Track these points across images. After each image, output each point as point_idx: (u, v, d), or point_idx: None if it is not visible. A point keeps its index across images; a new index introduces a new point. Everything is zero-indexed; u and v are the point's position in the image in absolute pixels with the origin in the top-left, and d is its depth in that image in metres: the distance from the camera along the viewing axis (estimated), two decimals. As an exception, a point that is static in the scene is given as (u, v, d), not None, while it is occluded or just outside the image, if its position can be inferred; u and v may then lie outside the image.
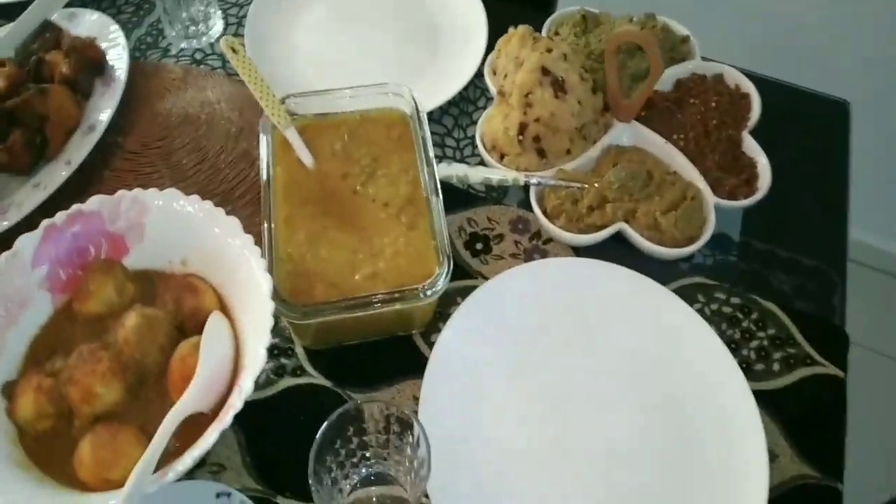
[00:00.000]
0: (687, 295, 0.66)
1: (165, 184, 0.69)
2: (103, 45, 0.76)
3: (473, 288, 0.64)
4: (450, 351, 0.60)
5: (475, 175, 0.68)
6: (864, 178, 0.92)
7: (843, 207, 0.74)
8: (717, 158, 0.71)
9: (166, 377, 0.54)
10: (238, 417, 0.49)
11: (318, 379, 0.61)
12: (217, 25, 0.84)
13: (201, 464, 0.57)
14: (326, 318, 0.56)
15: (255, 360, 0.51)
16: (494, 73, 0.76)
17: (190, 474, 0.52)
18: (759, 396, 0.59)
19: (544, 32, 0.79)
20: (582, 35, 0.77)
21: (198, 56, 0.82)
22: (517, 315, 0.63)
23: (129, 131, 0.73)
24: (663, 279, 0.66)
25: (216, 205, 0.66)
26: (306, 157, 0.65)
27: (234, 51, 0.66)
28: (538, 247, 0.69)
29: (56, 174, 0.66)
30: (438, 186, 0.63)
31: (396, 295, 0.57)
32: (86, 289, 0.56)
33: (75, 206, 0.57)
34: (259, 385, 0.60)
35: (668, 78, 0.76)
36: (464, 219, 0.71)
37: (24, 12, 0.78)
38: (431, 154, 0.65)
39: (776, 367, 0.63)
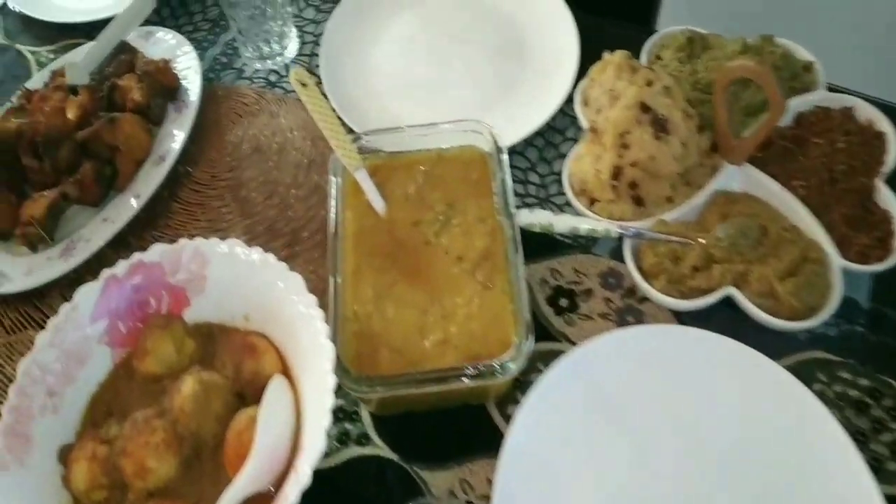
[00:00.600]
0: (805, 373, 0.55)
1: (234, 219, 0.64)
2: (177, 67, 0.72)
3: (556, 353, 0.56)
4: (528, 432, 0.52)
5: (561, 224, 0.59)
6: None
7: None
8: (844, 211, 0.59)
9: (223, 449, 0.49)
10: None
11: (384, 450, 0.55)
12: (293, 45, 0.78)
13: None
14: (389, 393, 0.50)
15: (315, 444, 0.45)
16: (586, 104, 0.66)
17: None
18: (892, 502, 0.49)
19: (644, 57, 0.68)
20: (687, 61, 0.66)
21: (272, 78, 0.76)
22: (606, 392, 0.54)
23: (198, 160, 0.68)
24: (778, 351, 0.56)
25: (285, 244, 0.60)
26: (377, 202, 0.58)
27: (303, 84, 0.60)
28: (632, 307, 0.59)
29: (125, 208, 0.62)
30: (519, 240, 0.54)
31: (468, 371, 0.49)
32: (143, 346, 0.52)
33: (136, 256, 0.52)
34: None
35: (787, 112, 0.65)
36: (547, 269, 0.62)
37: (101, 33, 0.74)
38: (512, 202, 0.56)
39: None
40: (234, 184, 0.67)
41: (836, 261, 0.56)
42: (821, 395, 0.54)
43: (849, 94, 0.65)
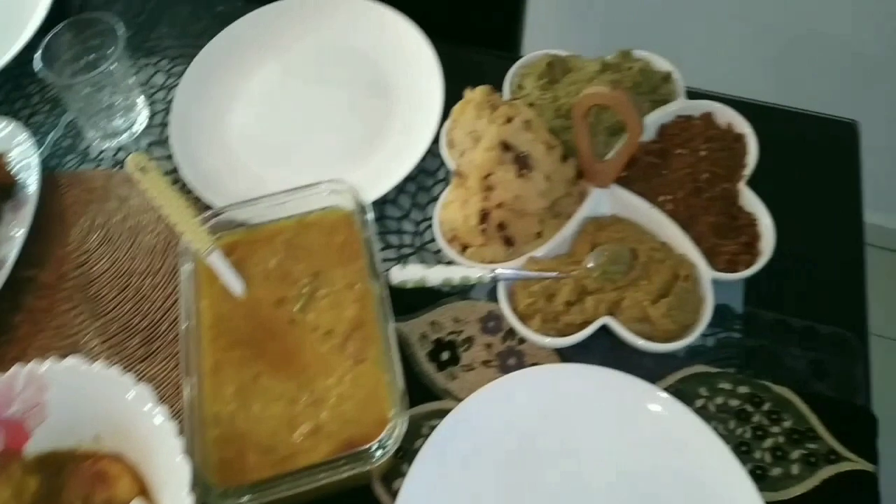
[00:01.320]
0: (687, 390, 0.54)
1: (84, 321, 0.58)
2: (12, 160, 0.65)
3: (442, 412, 0.52)
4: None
5: (434, 276, 0.55)
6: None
7: (859, 257, 0.60)
8: (711, 220, 0.57)
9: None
10: None
11: None
12: (141, 117, 0.71)
13: None
14: (261, 501, 0.45)
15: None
16: (452, 146, 0.62)
17: None
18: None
19: (507, 88, 0.65)
20: (549, 87, 0.63)
21: (121, 156, 0.69)
22: (492, 444, 0.51)
23: (43, 261, 0.61)
24: (659, 372, 0.54)
25: (142, 342, 0.55)
26: (235, 285, 0.53)
27: (142, 170, 0.54)
28: (513, 349, 0.56)
29: None
30: (388, 303, 0.51)
31: (343, 462, 0.45)
32: (-21, 494, 0.46)
33: (-44, 397, 0.46)
34: None
35: (650, 126, 0.62)
36: (426, 323, 0.58)
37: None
38: (379, 263, 0.53)
39: (795, 469, 0.51)
40: (84, 282, 0.60)
41: (707, 274, 0.54)
42: (703, 410, 0.53)
43: (710, 98, 0.64)
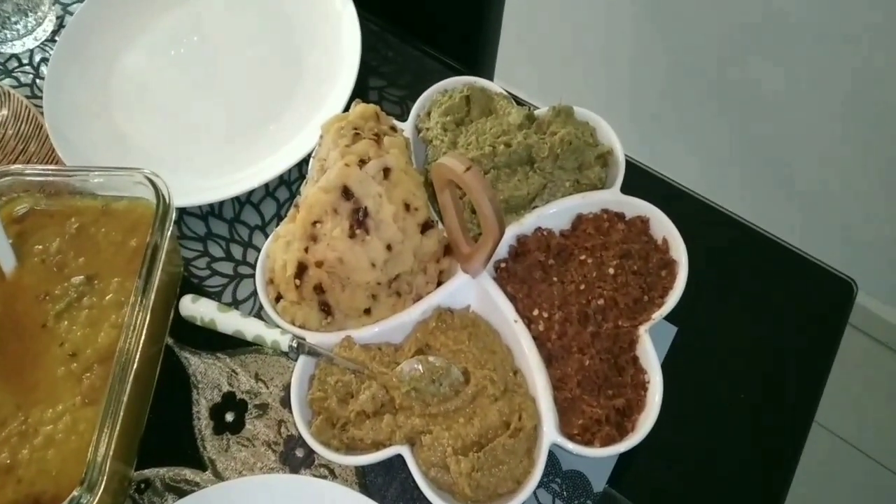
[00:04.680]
0: None
1: None
2: None
3: (190, 489, 0.42)
4: None
5: (226, 323, 0.43)
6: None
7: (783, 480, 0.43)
8: (587, 363, 0.41)
9: None
10: None
11: None
12: (46, 25, 0.60)
13: None
14: None
15: None
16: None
17: None
18: None
19: (413, 112, 0.49)
20: (453, 128, 0.47)
21: (11, 64, 0.59)
22: None
23: None
24: None
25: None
26: (4, 260, 0.43)
27: None
28: None
29: None
30: (146, 346, 0.39)
31: None
32: None
33: None
34: None
35: (564, 211, 0.46)
36: (228, 367, 0.46)
37: None
38: (156, 280, 0.40)
39: None
40: None
41: (549, 436, 0.39)
42: None
43: (648, 203, 0.45)
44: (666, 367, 0.42)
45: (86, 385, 0.40)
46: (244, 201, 0.52)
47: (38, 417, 0.39)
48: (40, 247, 0.44)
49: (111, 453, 0.37)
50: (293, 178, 0.53)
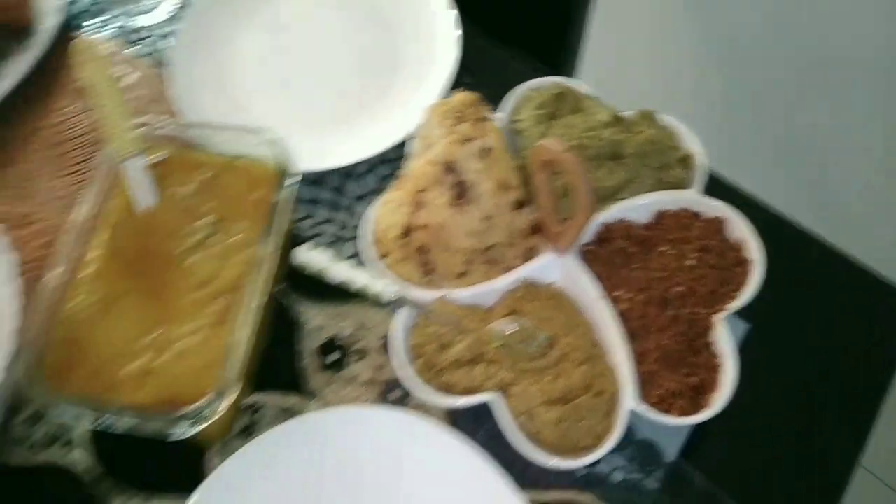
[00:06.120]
0: None
1: (42, 178, 0.56)
2: (37, 5, 0.61)
3: (295, 413, 0.45)
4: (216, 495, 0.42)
5: (335, 273, 0.47)
6: None
7: (845, 477, 0.45)
8: (665, 343, 0.44)
9: None
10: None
11: (82, 465, 0.45)
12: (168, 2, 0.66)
13: None
14: (65, 417, 0.41)
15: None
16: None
17: None
18: None
19: (506, 106, 0.53)
20: (545, 121, 0.51)
21: (142, 35, 0.64)
22: (317, 469, 0.43)
23: (25, 111, 0.58)
24: (542, 481, 0.43)
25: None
26: (144, 199, 0.47)
27: (86, 58, 0.48)
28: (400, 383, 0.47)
29: None
30: (267, 279, 0.43)
31: (152, 417, 0.40)
32: None
33: None
34: (30, 441, 0.46)
35: (648, 206, 0.50)
36: (331, 315, 0.50)
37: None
38: (279, 230, 0.45)
39: None
40: (54, 141, 0.57)
41: (627, 402, 0.42)
42: None
43: (727, 206, 0.49)
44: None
45: (215, 310, 0.44)
46: (347, 174, 0.57)
47: (174, 333, 0.43)
48: (175, 190, 0.49)
49: (237, 369, 0.41)
50: (391, 158, 0.57)
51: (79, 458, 0.46)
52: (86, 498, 0.44)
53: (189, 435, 0.40)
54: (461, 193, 0.44)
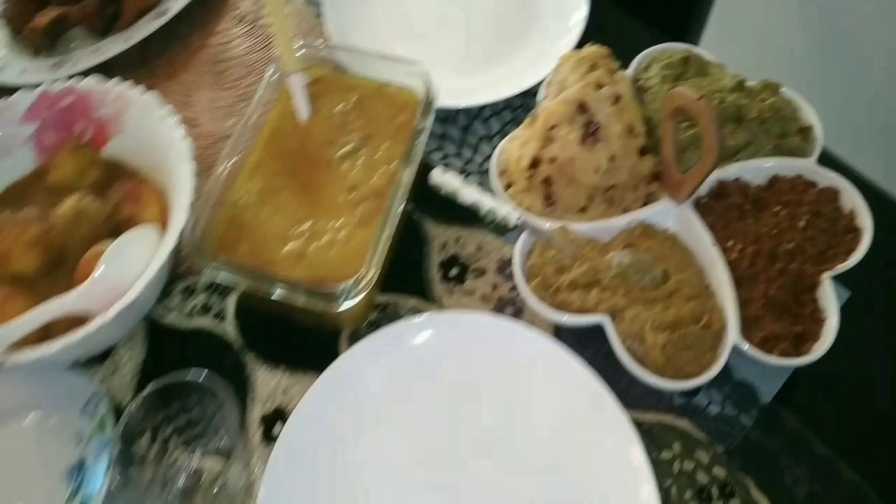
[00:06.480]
0: (660, 437, 0.47)
1: (199, 92, 0.63)
2: None
3: (423, 310, 0.51)
4: (343, 371, 0.48)
5: (466, 194, 0.52)
6: None
7: None
8: (772, 293, 0.47)
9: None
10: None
11: (231, 335, 0.52)
12: None
13: (100, 358, 0.51)
14: (229, 282, 0.47)
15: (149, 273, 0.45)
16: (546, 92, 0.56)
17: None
18: None
19: (633, 65, 0.57)
20: (672, 80, 0.54)
21: None
22: (436, 364, 0.48)
23: (193, 30, 0.66)
24: (643, 403, 0.47)
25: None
26: (303, 111, 0.53)
27: None
28: (515, 300, 0.52)
29: (114, 47, 0.61)
30: (406, 192, 0.49)
31: (307, 291, 0.45)
32: (56, 160, 0.52)
33: (71, 82, 0.52)
34: (182, 311, 0.53)
35: (764, 170, 0.52)
36: (454, 236, 0.55)
37: None
38: (418, 152, 0.50)
39: None
40: (216, 59, 0.64)
41: (732, 337, 0.45)
42: (666, 464, 0.46)
43: (848, 174, 0.51)
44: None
45: (361, 211, 0.50)
46: (475, 115, 0.61)
47: (324, 225, 0.49)
48: (327, 107, 0.55)
49: (376, 262, 0.46)
50: (516, 106, 0.62)
51: (229, 329, 0.52)
52: (235, 362, 0.51)
53: (333, 310, 0.46)
54: (591, 133, 0.48)
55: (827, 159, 0.54)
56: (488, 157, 0.56)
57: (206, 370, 0.44)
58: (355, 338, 0.50)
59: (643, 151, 0.51)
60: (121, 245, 0.47)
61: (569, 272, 0.48)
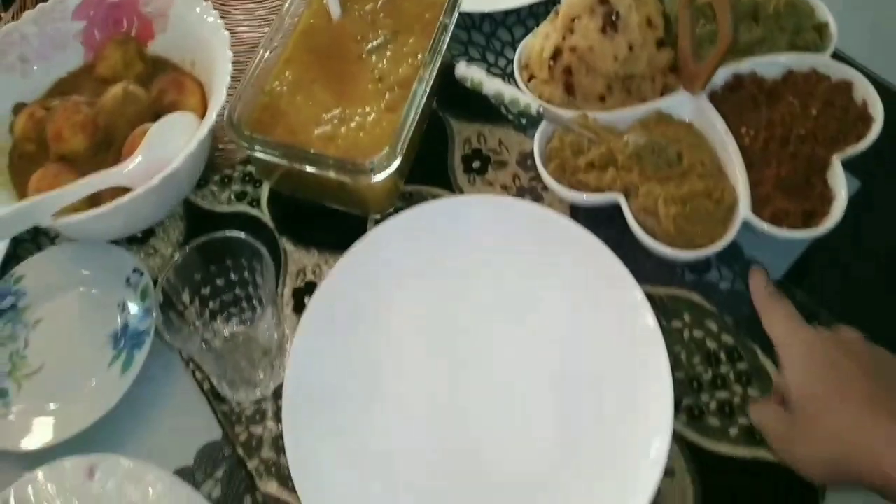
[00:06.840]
0: (671, 308, 0.49)
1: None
2: None
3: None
4: (368, 250, 0.50)
5: (490, 85, 0.54)
6: None
7: None
8: (783, 174, 0.48)
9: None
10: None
11: (265, 217, 0.55)
12: None
13: (141, 241, 0.55)
14: (265, 157, 0.50)
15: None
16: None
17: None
18: (701, 457, 0.44)
19: None
20: None
21: None
22: (453, 244, 0.51)
23: None
24: (655, 277, 0.49)
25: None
26: (335, 9, 0.56)
27: None
28: (535, 189, 0.54)
29: None
30: (430, 80, 0.51)
31: (338, 164, 0.48)
32: (102, 53, 0.56)
33: (118, -22, 0.56)
34: (219, 199, 0.57)
35: (779, 64, 0.53)
36: (476, 131, 0.58)
37: None
38: (442, 47, 0.52)
39: (734, 432, 0.45)
40: None
41: (743, 211, 0.47)
42: (677, 333, 0.48)
43: (855, 70, 0.52)
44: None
45: (389, 98, 0.52)
46: (500, 22, 0.64)
47: (353, 111, 0.52)
48: (358, 6, 0.57)
49: (403, 143, 0.49)
50: (539, 13, 0.63)
51: (264, 214, 0.55)
52: (270, 240, 0.54)
53: (364, 183, 0.48)
54: (611, 23, 0.50)
55: (841, 59, 0.55)
56: (511, 62, 0.58)
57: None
58: (380, 220, 0.53)
59: (661, 44, 0.52)
60: (164, 126, 0.51)
61: (586, 154, 0.50)
